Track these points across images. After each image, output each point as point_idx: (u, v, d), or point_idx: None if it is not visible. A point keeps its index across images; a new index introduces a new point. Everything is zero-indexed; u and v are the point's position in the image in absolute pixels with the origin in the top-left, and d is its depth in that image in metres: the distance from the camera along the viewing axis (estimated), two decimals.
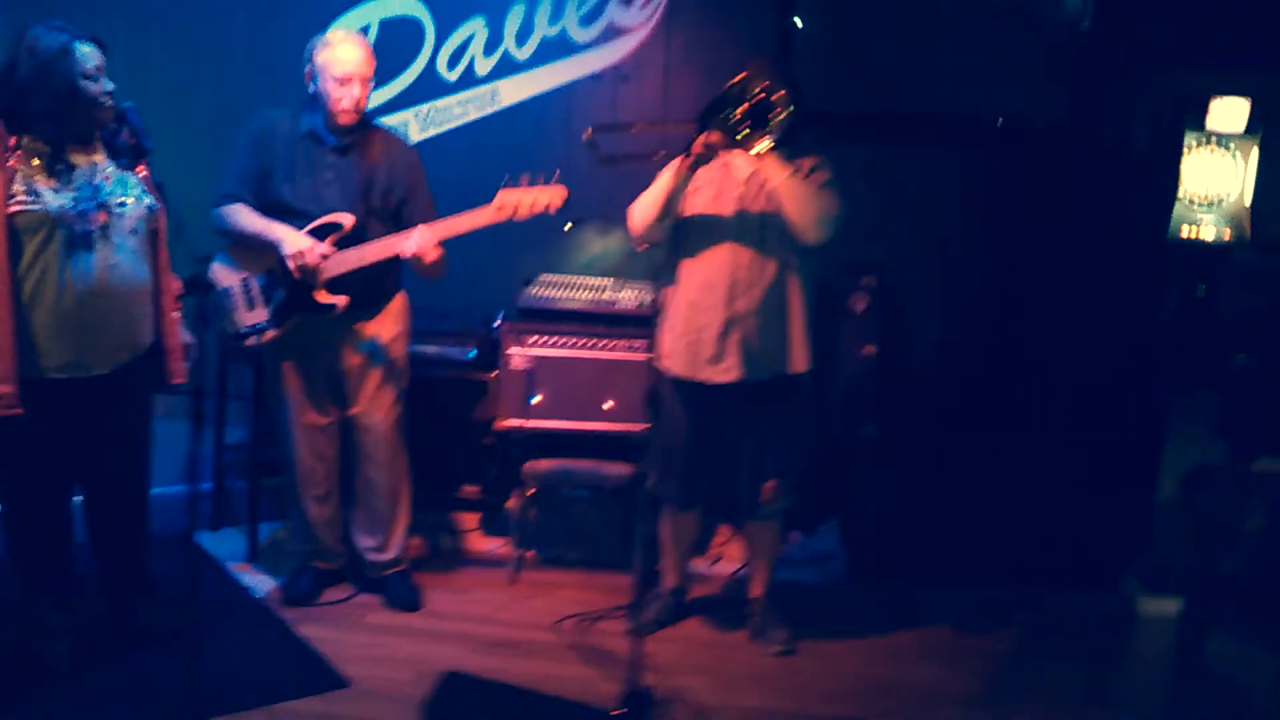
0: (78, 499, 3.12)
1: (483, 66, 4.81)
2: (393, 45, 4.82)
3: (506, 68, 4.79)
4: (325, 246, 3.34)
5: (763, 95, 2.97)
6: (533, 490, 4.06)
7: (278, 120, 3.45)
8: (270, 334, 3.44)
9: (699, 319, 3.35)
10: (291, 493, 3.72)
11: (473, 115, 4.80)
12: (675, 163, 3.17)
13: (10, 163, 2.72)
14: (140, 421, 3.18)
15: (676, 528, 3.63)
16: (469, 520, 4.46)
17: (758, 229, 3.27)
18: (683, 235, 3.32)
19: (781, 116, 2.97)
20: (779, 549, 3.70)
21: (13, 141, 2.74)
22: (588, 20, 4.72)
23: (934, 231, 4.47)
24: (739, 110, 2.99)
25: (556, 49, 4.74)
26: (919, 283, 4.42)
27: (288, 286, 3.39)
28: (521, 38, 4.77)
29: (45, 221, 2.75)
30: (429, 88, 4.84)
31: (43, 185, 2.76)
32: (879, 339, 4.16)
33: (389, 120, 4.87)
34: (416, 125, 4.89)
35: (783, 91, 2.99)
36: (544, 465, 4.03)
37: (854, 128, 4.40)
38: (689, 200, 3.29)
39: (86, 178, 2.83)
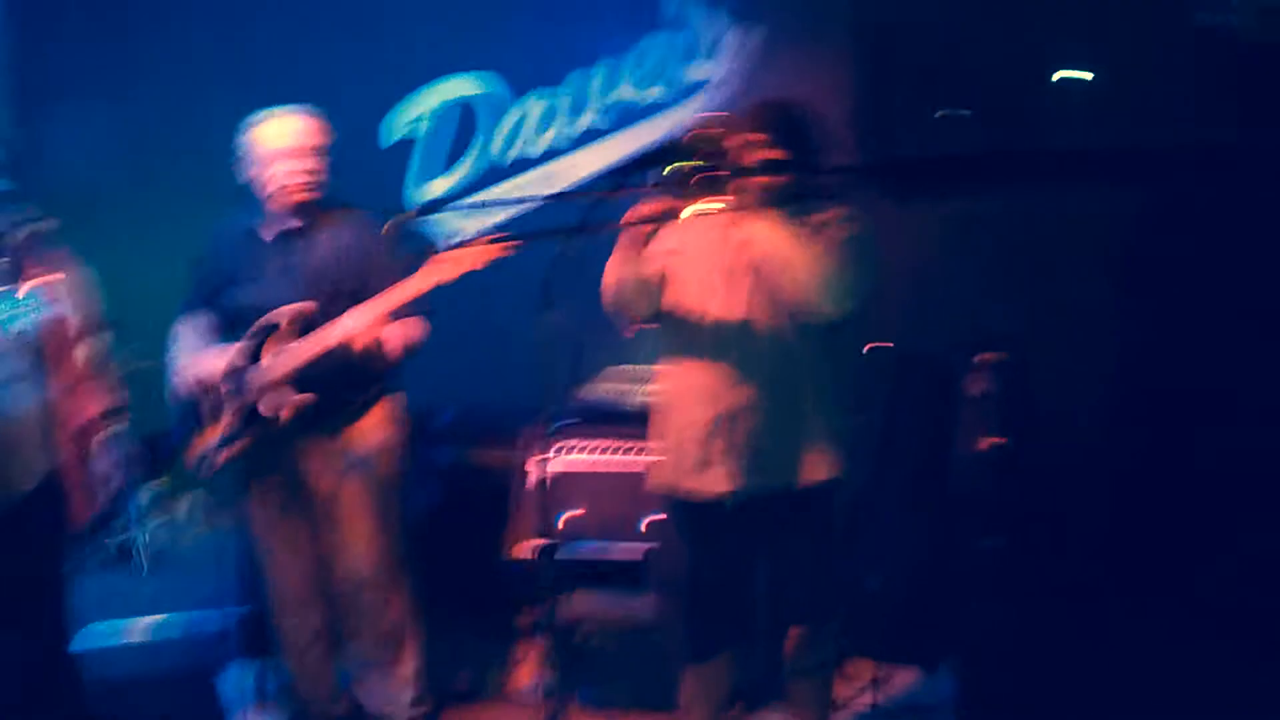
0: None
1: (540, 144, 4.44)
2: (453, 131, 4.57)
3: (564, 143, 4.41)
4: (215, 364, 2.98)
5: (732, 150, 2.40)
6: (567, 622, 3.43)
7: (229, 224, 3.14)
8: (229, 452, 3.00)
9: (683, 415, 2.69)
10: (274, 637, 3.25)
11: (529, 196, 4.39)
12: (623, 238, 2.60)
13: None
14: (45, 567, 2.80)
15: (696, 682, 2.87)
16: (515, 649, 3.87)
17: (752, 305, 2.63)
18: (668, 309, 2.72)
19: (764, 183, 2.53)
20: (829, 711, 2.89)
21: None
22: (648, 81, 4.27)
23: (1075, 293, 3.67)
24: (693, 164, 2.41)
25: (623, 115, 4.30)
26: (1057, 359, 3.61)
27: (242, 394, 2.97)
28: (578, 109, 4.38)
29: None
30: (492, 171, 4.52)
31: None
32: (1004, 429, 3.34)
33: (449, 214, 4.60)
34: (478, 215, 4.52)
35: (778, 152, 2.54)
36: (579, 595, 3.41)
37: (959, 172, 3.68)
38: (669, 266, 2.67)
39: None
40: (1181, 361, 3.54)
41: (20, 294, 2.68)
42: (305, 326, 2.92)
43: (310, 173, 2.98)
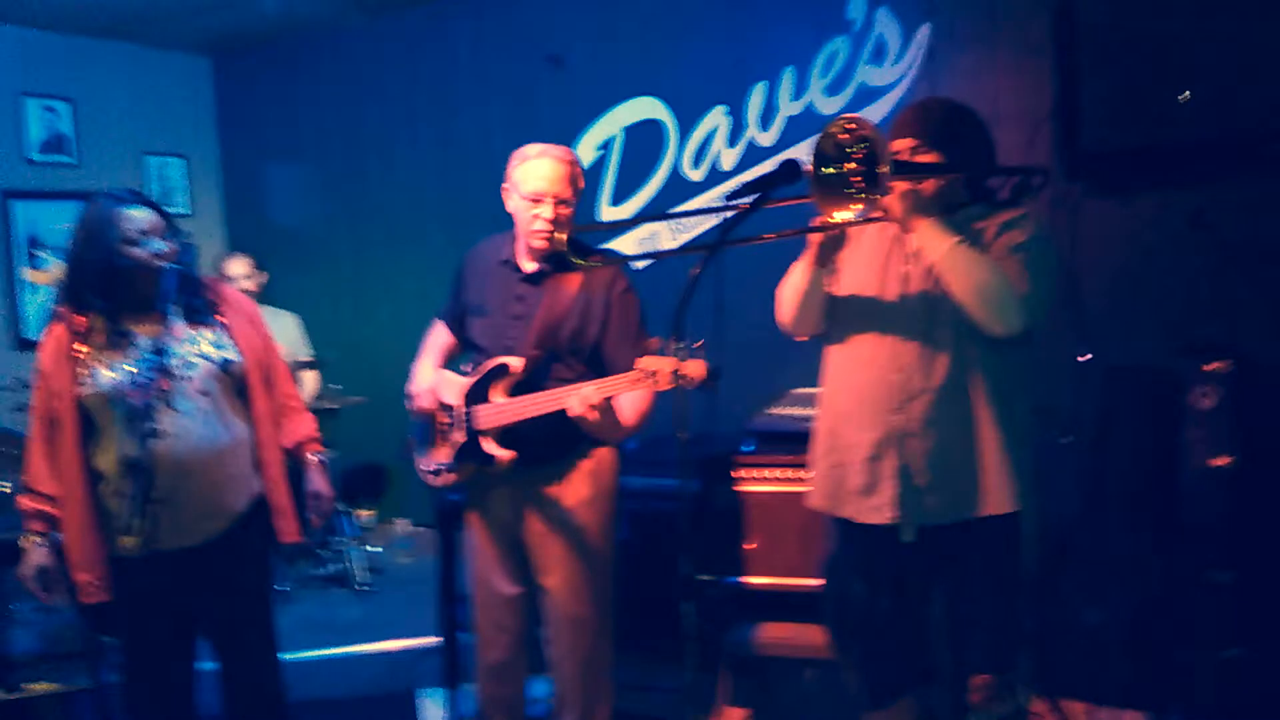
0: (212, 667, 2.90)
1: (728, 159, 4.34)
2: (637, 152, 4.56)
3: (753, 156, 4.28)
4: (447, 391, 3.00)
5: (880, 152, 2.20)
6: (752, 655, 3.27)
7: (487, 246, 3.14)
8: (447, 478, 3.03)
9: (846, 435, 2.49)
10: (471, 665, 3.24)
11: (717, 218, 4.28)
12: (806, 252, 2.43)
13: (77, 344, 2.68)
14: (259, 586, 2.91)
15: None
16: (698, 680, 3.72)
17: (924, 317, 2.40)
18: (834, 320, 2.54)
19: (928, 188, 2.35)
20: None
21: (83, 322, 2.70)
22: (835, 88, 4.09)
23: None
24: (845, 167, 2.21)
25: (804, 126, 4.14)
26: None
27: (465, 429, 2.98)
28: (766, 120, 4.25)
29: (104, 400, 2.66)
30: (676, 191, 4.47)
31: (104, 362, 2.68)
32: (1236, 447, 2.98)
33: (638, 234, 4.57)
34: (669, 234, 4.47)
35: (933, 155, 2.36)
36: (756, 631, 3.24)
37: (1175, 164, 3.32)
38: (839, 276, 2.48)
39: (149, 346, 2.70)
40: None
41: (214, 330, 2.80)
42: (522, 380, 2.92)
43: (558, 221, 2.92)
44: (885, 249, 2.47)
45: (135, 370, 2.66)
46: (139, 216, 2.70)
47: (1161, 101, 3.30)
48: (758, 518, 3.29)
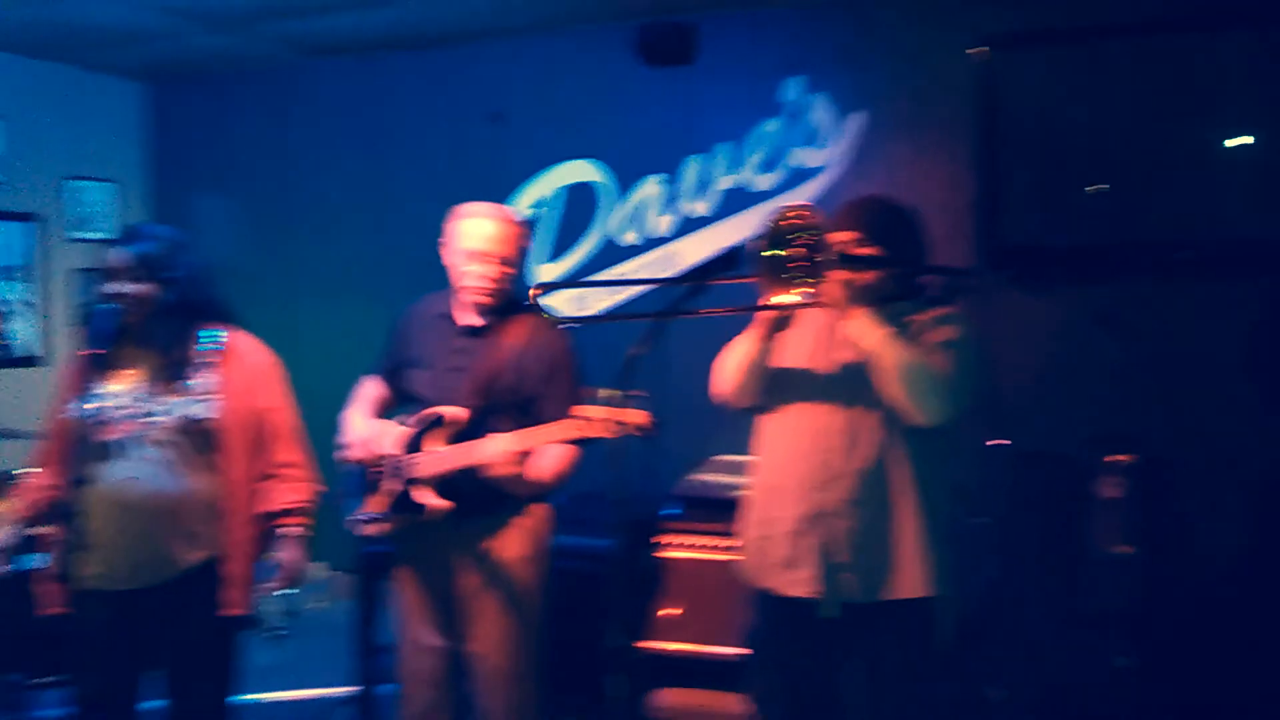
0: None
1: (663, 225, 4.43)
2: (572, 213, 4.62)
3: (686, 225, 4.38)
4: (384, 440, 2.99)
5: (818, 242, 2.31)
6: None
7: (425, 302, 3.16)
8: (380, 527, 3.02)
9: (773, 508, 2.56)
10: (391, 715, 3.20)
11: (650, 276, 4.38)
12: (755, 327, 2.51)
13: (80, 371, 2.72)
14: (207, 636, 2.84)
15: None
16: None
17: (852, 399, 2.49)
18: (769, 391, 2.61)
19: (862, 279, 2.43)
20: None
21: (84, 354, 2.73)
22: (768, 165, 4.22)
23: (1220, 392, 3.42)
24: (790, 252, 2.32)
25: (737, 200, 4.26)
26: (1200, 462, 3.35)
27: (401, 479, 2.97)
28: (699, 192, 4.36)
29: (78, 428, 2.67)
30: (609, 254, 4.53)
31: (92, 392, 2.71)
32: (1139, 537, 3.12)
33: (570, 293, 4.62)
34: (603, 294, 4.54)
35: (873, 249, 2.45)
36: (671, 698, 3.27)
37: (1089, 262, 3.50)
38: (777, 350, 2.57)
39: (133, 385, 2.74)
40: None
41: (194, 382, 2.76)
42: (463, 430, 2.92)
43: (497, 278, 2.96)
44: (822, 329, 2.55)
45: (98, 409, 2.68)
46: (116, 255, 2.72)
47: (1079, 201, 3.50)
48: (680, 583, 3.32)
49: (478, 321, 3.01)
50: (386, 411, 3.17)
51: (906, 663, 2.51)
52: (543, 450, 2.87)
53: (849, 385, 2.49)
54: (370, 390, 3.18)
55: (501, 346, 2.99)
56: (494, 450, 2.81)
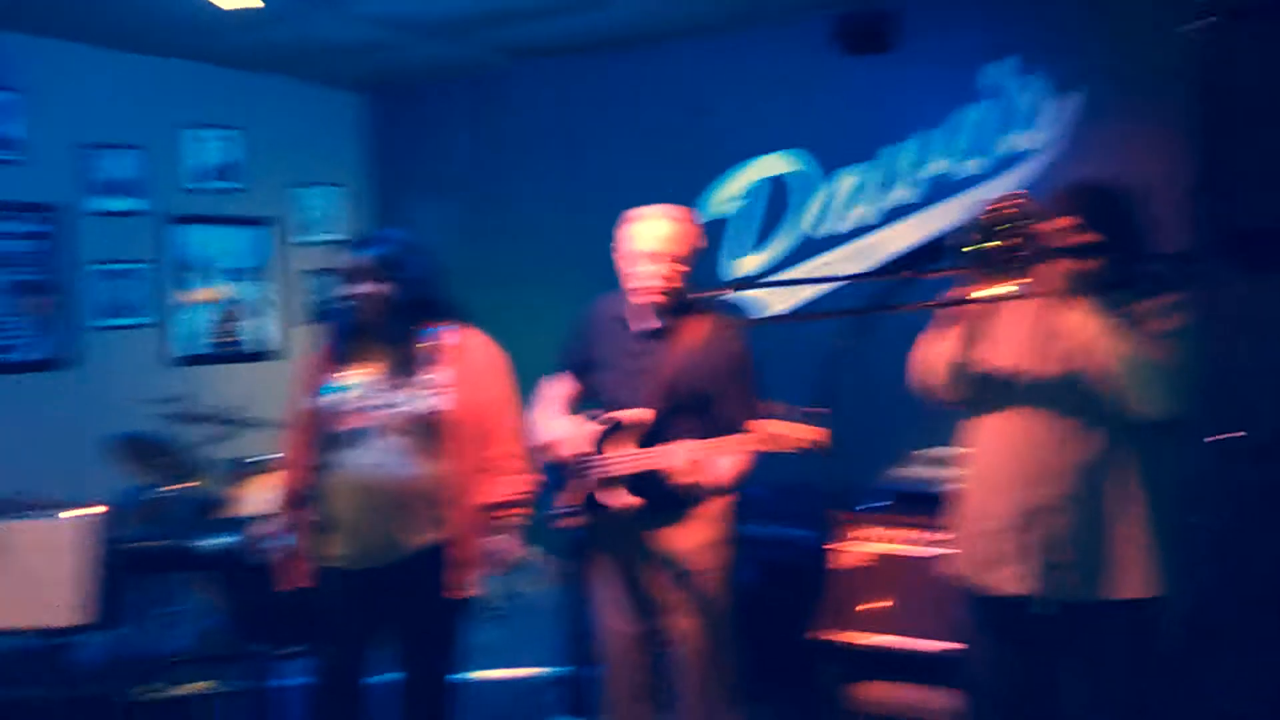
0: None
1: (864, 215, 4.39)
2: (772, 206, 4.64)
3: (890, 214, 4.33)
4: (579, 440, 3.08)
5: (1037, 233, 2.23)
6: (866, 712, 3.28)
7: (603, 303, 3.24)
8: (572, 521, 3.14)
9: (989, 504, 2.49)
10: (597, 695, 3.32)
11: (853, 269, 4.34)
12: (956, 322, 2.47)
13: (323, 364, 2.94)
14: (430, 619, 2.99)
15: None
16: None
17: (1071, 394, 2.40)
18: (979, 390, 2.54)
19: (1076, 268, 2.34)
20: None
21: (328, 348, 2.96)
22: (974, 150, 4.11)
23: None
24: (1006, 243, 2.24)
25: (943, 187, 4.17)
26: None
27: (595, 476, 3.10)
28: (903, 180, 4.29)
29: (319, 419, 2.89)
30: (809, 246, 4.54)
31: (331, 385, 2.89)
32: None
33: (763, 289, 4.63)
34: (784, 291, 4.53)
35: (1091, 236, 2.35)
36: (876, 691, 3.24)
37: None
38: (985, 348, 2.50)
39: (370, 378, 2.90)
40: None
41: (426, 376, 2.90)
42: (647, 433, 3.01)
43: (669, 278, 3.00)
44: (1031, 323, 2.48)
45: (337, 400, 2.86)
46: (353, 258, 2.90)
47: None
48: (886, 577, 3.31)
49: (654, 324, 3.06)
50: (575, 408, 3.25)
51: (1130, 665, 2.43)
52: (723, 460, 2.96)
53: (1067, 380, 2.41)
54: (559, 388, 3.27)
55: (679, 348, 3.04)
56: (678, 457, 2.91)
